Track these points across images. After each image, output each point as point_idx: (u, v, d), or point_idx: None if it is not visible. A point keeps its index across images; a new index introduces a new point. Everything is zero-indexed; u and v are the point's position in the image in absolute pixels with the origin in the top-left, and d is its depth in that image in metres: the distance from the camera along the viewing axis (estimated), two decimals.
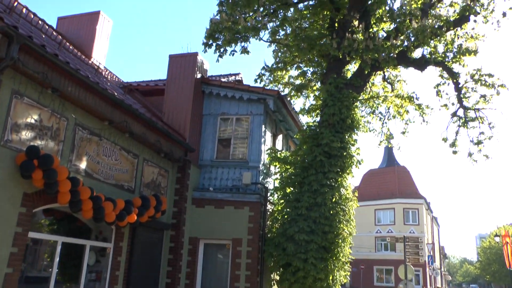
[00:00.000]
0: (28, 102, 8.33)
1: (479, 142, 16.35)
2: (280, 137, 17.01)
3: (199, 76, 14.97)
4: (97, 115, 10.25)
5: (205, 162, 14.70)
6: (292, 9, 15.78)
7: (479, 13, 14.78)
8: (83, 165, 9.87)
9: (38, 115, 8.57)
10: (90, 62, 14.34)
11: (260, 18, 13.32)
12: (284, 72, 16.98)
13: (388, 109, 18.10)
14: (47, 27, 13.52)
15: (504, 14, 14.53)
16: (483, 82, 15.81)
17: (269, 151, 14.86)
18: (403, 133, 18.77)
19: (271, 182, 15.56)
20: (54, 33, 13.66)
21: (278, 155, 14.69)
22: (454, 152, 17.01)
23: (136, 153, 12.01)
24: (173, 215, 13.51)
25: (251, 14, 13.47)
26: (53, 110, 8.97)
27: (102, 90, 9.94)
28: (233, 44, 14.27)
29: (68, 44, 13.66)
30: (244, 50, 14.39)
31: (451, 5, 15.66)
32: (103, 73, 14.98)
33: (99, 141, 10.45)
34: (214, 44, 14.36)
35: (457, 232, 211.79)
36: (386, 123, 18.65)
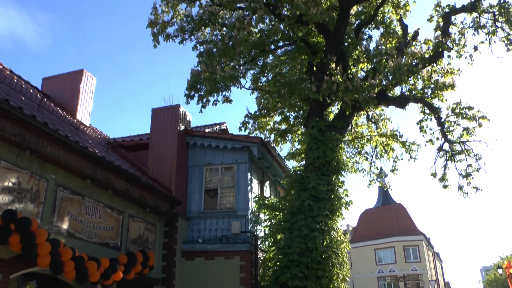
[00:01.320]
0: (5, 165, 8.29)
1: (467, 175, 16.30)
2: (267, 183, 16.95)
3: (182, 128, 15.05)
4: (78, 174, 10.20)
5: (193, 213, 14.55)
6: (271, 56, 16.11)
7: (452, 49, 15.15)
8: (65, 225, 9.72)
9: (16, 178, 8.51)
10: (73, 120, 14.43)
11: (238, 67, 13.53)
12: (267, 118, 17.10)
13: (375, 148, 18.15)
14: (30, 88, 13.68)
15: (475, 48, 14.90)
16: (464, 115, 15.93)
17: (256, 198, 14.76)
18: (393, 171, 18.72)
19: (261, 230, 15.38)
20: (38, 94, 13.81)
21: (266, 202, 14.58)
22: (445, 187, 16.93)
23: (121, 210, 11.88)
24: (162, 269, 13.22)
25: (229, 63, 13.67)
26: (32, 172, 8.93)
27: (82, 149, 9.94)
28: (215, 94, 14.39)
29: (51, 104, 13.78)
30: (226, 100, 14.52)
31: (425, 43, 16.07)
32: (88, 130, 15.04)
33: (81, 200, 10.35)
34: (196, 95, 14.46)
35: (461, 266, 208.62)
36: (374, 162, 18.67)
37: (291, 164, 17.80)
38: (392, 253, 51.98)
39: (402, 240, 51.39)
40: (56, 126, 9.64)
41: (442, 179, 16.79)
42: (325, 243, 12.89)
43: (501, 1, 14.44)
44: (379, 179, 19.32)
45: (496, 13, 14.80)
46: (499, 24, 14.98)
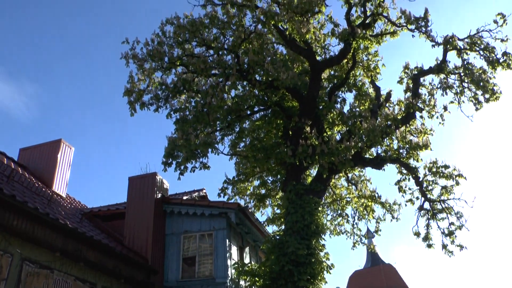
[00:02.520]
0: None
1: (450, 233, 16.16)
2: (247, 249, 16.63)
3: (159, 195, 14.90)
4: (47, 247, 9.90)
5: (170, 283, 14.09)
6: (248, 121, 16.31)
7: (423, 109, 15.51)
8: None
9: None
10: (48, 191, 14.22)
11: (212, 133, 13.63)
12: (247, 183, 17.05)
13: (355, 210, 18.06)
14: (5, 159, 13.56)
15: (445, 108, 15.27)
16: (442, 174, 16.04)
17: (236, 265, 14.40)
18: (376, 232, 18.58)
19: None
20: (13, 165, 13.68)
21: (246, 268, 14.20)
22: (429, 246, 16.73)
23: (93, 282, 11.45)
24: None
25: (203, 130, 13.77)
26: None
27: (53, 221, 9.73)
28: (192, 161, 14.36)
29: (25, 175, 13.62)
30: (204, 166, 14.44)
31: (398, 104, 16.47)
32: (63, 201, 14.81)
33: (49, 274, 9.97)
34: (174, 162, 14.42)
35: None
36: (356, 224, 18.50)
37: (271, 229, 17.59)
38: None
39: None
40: (25, 198, 9.47)
41: (426, 238, 16.62)
42: None
43: (465, 63, 15.01)
44: (363, 241, 19.08)
45: (462, 74, 15.32)
46: (465, 85, 15.46)
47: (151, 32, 14.59)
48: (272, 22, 12.94)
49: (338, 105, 15.99)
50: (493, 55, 14.62)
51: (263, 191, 17.03)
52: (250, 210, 15.69)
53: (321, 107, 15.13)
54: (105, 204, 17.26)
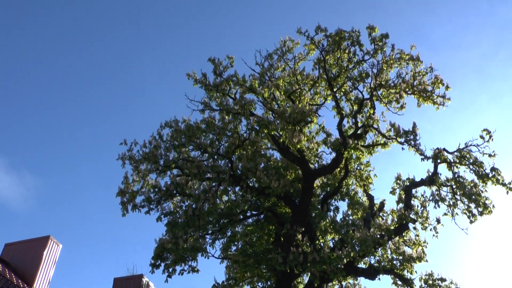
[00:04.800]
0: None
1: None
2: None
3: None
4: None
5: None
6: (240, 225, 16.21)
7: (416, 221, 15.45)
8: None
9: None
10: None
11: (201, 239, 13.49)
12: None
13: None
14: None
15: (438, 221, 15.23)
16: (438, 287, 15.63)
17: None
18: None
19: None
20: None
21: None
22: None
23: None
24: None
25: (193, 234, 13.62)
26: None
27: None
28: (182, 263, 14.07)
29: (7, 271, 13.27)
30: (193, 269, 14.13)
31: (391, 214, 16.46)
32: None
33: None
34: (162, 264, 14.13)
35: None
36: None
37: None
38: None
39: None
40: None
41: None
42: None
43: (456, 176, 15.24)
44: None
45: (454, 186, 15.48)
46: (458, 197, 15.56)
47: (150, 133, 15.02)
48: (265, 131, 13.35)
49: (331, 213, 15.96)
50: (482, 169, 14.90)
51: None
52: None
53: (313, 214, 15.11)
54: None
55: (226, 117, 14.28)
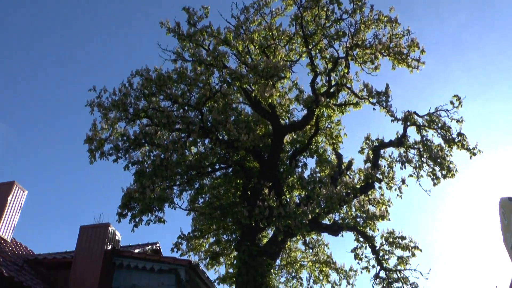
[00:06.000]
0: None
1: None
2: None
3: (110, 247, 14.42)
4: None
5: None
6: (208, 178, 16.26)
7: (382, 180, 15.77)
8: None
9: None
10: None
11: (169, 189, 13.49)
12: (202, 240, 16.76)
13: (311, 274, 17.87)
14: None
15: (403, 181, 15.58)
16: (398, 245, 16.14)
17: None
18: None
19: None
20: None
21: None
22: None
23: None
24: None
25: (160, 184, 13.60)
26: None
27: None
28: (148, 214, 14.09)
29: None
30: (159, 220, 14.16)
31: (359, 172, 16.73)
32: (7, 245, 14.21)
33: None
34: (129, 213, 14.12)
35: None
36: (311, 287, 18.26)
37: None
38: None
39: None
40: None
41: None
42: None
43: (424, 139, 15.50)
44: None
45: (421, 149, 15.78)
46: (424, 160, 15.89)
47: (120, 81, 14.60)
48: (238, 84, 13.21)
49: (299, 170, 16.12)
50: (450, 134, 15.19)
51: (217, 249, 16.75)
52: (201, 268, 15.28)
53: (281, 170, 15.24)
54: (54, 251, 16.57)
55: (199, 68, 14.01)
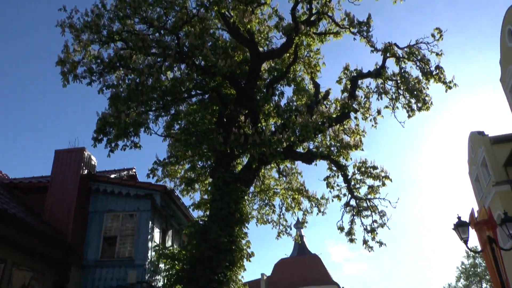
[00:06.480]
0: None
1: (372, 230, 16.82)
2: (170, 232, 16.54)
3: (86, 172, 14.48)
4: None
5: (89, 262, 13.83)
6: (184, 104, 16.11)
7: (358, 110, 15.90)
8: None
9: None
10: None
11: (144, 114, 13.36)
12: (177, 166, 16.89)
13: (283, 201, 18.40)
14: None
15: (379, 112, 15.75)
16: (369, 174, 16.59)
17: (157, 247, 14.32)
18: (302, 223, 19.09)
19: (161, 280, 14.84)
20: None
21: (167, 252, 14.16)
22: (351, 240, 17.35)
23: (3, 257, 11.00)
24: None
25: (136, 109, 13.43)
26: None
27: None
28: (124, 139, 14.01)
29: None
30: (135, 145, 14.14)
31: (334, 103, 16.81)
32: None
33: None
34: (105, 138, 14.01)
35: None
36: (283, 214, 18.87)
37: (196, 214, 17.59)
38: None
39: None
40: None
41: (349, 233, 17.20)
42: None
43: (402, 71, 15.51)
44: (288, 232, 19.48)
45: (399, 81, 15.83)
46: (401, 92, 16.00)
47: (92, 1, 13.89)
48: (216, 8, 12.75)
49: (276, 98, 16.07)
50: (428, 67, 15.20)
51: (193, 176, 16.94)
52: (176, 194, 15.60)
53: (258, 97, 15.17)
54: (30, 176, 16.57)
55: None
